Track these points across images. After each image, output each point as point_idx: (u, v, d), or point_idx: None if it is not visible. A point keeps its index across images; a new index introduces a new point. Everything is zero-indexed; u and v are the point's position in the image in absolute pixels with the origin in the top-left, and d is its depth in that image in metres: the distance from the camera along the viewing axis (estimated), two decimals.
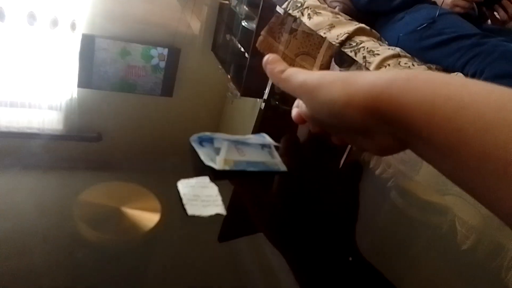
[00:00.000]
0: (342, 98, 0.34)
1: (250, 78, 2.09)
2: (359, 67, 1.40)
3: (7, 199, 0.41)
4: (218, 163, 0.56)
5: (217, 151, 0.58)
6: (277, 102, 1.91)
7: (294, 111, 0.46)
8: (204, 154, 0.58)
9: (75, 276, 0.34)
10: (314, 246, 0.48)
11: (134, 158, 0.55)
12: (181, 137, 0.64)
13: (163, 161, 0.59)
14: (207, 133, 0.61)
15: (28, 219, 0.39)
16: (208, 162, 0.56)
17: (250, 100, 2.40)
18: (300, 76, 0.40)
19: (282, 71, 0.43)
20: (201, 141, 0.60)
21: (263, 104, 2.07)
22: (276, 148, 0.67)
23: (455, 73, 1.32)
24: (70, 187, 0.45)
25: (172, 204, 0.46)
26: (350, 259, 0.48)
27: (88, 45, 1.46)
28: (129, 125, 0.65)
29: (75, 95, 0.74)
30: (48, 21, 1.30)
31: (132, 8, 1.90)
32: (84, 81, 1.31)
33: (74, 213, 0.40)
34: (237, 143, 0.60)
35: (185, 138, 0.61)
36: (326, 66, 1.44)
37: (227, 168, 0.56)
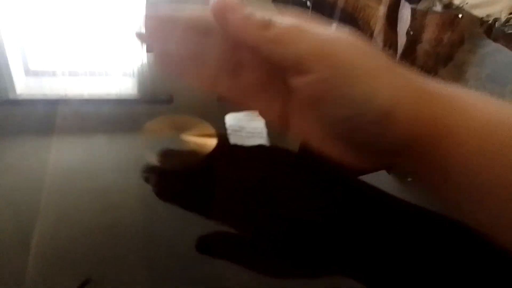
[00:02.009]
0: (387, 99, 0.22)
1: None
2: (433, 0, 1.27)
3: (93, 159, 0.45)
4: None
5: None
6: None
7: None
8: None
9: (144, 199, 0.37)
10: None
11: (205, 115, 0.57)
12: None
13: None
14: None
15: (110, 173, 0.43)
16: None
17: None
18: (308, 36, 0.24)
19: (265, 23, 0.24)
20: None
21: None
22: None
23: None
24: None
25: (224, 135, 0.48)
26: None
27: None
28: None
29: (145, 60, 0.77)
30: None
31: None
32: None
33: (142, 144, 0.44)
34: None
35: None
36: (395, 1, 1.32)
37: None
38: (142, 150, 0.43)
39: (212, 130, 0.47)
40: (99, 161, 0.44)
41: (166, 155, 0.42)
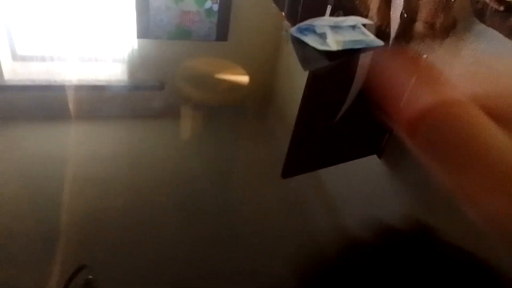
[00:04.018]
0: None
1: (305, 14, 1.98)
2: None
3: (83, 143, 0.44)
4: (332, 45, 0.62)
5: (323, 36, 0.63)
6: None
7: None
8: (312, 41, 0.64)
9: None
10: None
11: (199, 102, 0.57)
12: (239, 78, 0.64)
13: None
14: (306, 22, 0.70)
15: (99, 158, 0.42)
16: (320, 46, 0.63)
17: None
18: None
19: None
20: (301, 31, 0.67)
21: None
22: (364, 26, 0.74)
23: None
24: (140, 131, 0.48)
25: None
26: None
27: None
28: (189, 72, 0.66)
29: (135, 46, 0.76)
30: None
31: None
32: (143, 31, 1.34)
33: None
34: (333, 27, 0.65)
35: (244, 78, 0.61)
36: None
37: (340, 48, 0.62)
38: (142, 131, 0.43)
39: (242, 70, 0.52)
40: (88, 147, 0.43)
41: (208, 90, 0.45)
